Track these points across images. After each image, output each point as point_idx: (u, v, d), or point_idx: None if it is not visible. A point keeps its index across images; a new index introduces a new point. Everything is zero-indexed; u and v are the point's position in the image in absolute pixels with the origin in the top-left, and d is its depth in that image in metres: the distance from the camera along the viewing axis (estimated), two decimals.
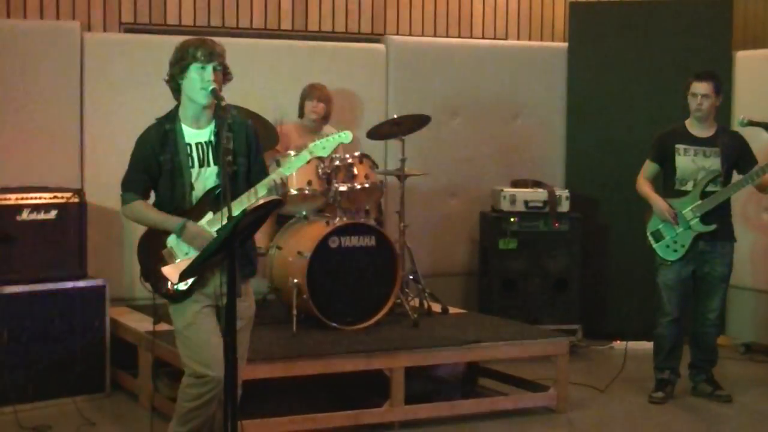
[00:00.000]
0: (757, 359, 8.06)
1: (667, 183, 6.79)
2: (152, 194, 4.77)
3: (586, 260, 8.27)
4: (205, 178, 4.67)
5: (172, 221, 4.62)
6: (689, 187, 6.67)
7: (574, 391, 6.73)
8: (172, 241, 4.66)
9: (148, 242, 4.73)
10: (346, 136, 4.98)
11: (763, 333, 8.21)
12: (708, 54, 8.34)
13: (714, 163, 6.65)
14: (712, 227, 6.61)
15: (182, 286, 4.59)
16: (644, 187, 6.81)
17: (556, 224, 8.11)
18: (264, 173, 4.82)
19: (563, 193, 8.21)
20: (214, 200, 4.62)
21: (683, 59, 8.25)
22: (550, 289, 8.13)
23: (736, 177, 6.75)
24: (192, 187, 4.66)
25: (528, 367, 6.93)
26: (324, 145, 4.91)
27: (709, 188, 6.64)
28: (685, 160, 6.68)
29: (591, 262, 8.36)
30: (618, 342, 7.98)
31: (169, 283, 4.62)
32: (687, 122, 6.78)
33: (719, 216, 6.65)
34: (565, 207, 8.17)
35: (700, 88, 6.64)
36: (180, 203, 4.65)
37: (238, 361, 4.48)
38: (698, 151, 6.68)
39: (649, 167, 6.85)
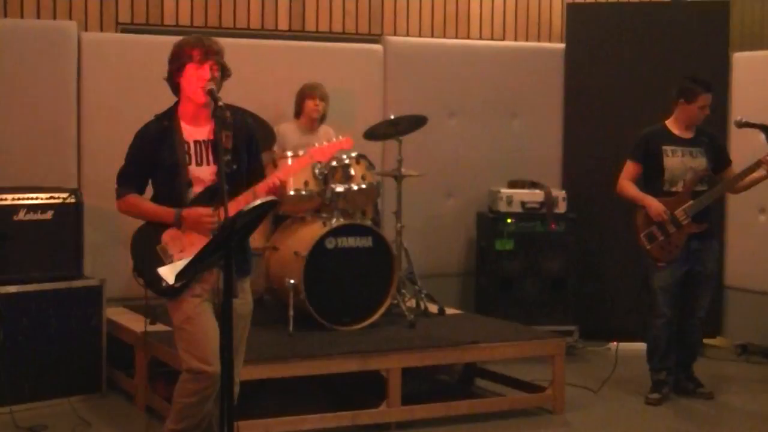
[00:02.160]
0: (753, 360, 8.07)
1: (653, 184, 6.76)
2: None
3: (583, 261, 8.28)
4: (203, 176, 4.67)
5: (167, 213, 4.63)
6: (679, 187, 6.68)
7: (571, 391, 6.73)
8: (166, 237, 4.66)
9: (143, 238, 4.72)
10: (347, 143, 5.00)
11: (760, 334, 8.22)
12: (705, 55, 8.35)
13: (701, 163, 6.69)
14: (704, 226, 6.64)
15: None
16: (630, 188, 6.80)
17: (553, 225, 8.12)
18: (262, 173, 4.83)
19: (560, 193, 8.22)
20: (212, 198, 4.62)
21: (680, 60, 8.25)
22: (547, 290, 8.14)
23: None
24: (190, 185, 4.66)
25: (524, 367, 6.93)
26: (324, 150, 4.93)
27: (698, 188, 6.66)
28: (674, 161, 6.70)
29: (588, 263, 8.36)
30: (615, 343, 7.98)
31: (164, 281, 4.61)
32: (669, 123, 6.80)
33: (706, 214, 6.70)
34: (562, 208, 8.18)
35: (709, 99, 6.69)
36: (177, 201, 4.65)
37: (236, 359, 4.50)
38: (686, 151, 6.71)
39: (632, 168, 6.83)
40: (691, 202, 6.63)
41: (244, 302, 4.74)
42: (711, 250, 6.78)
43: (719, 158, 6.81)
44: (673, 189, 6.70)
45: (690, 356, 6.94)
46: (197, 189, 4.67)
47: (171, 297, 4.65)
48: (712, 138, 6.83)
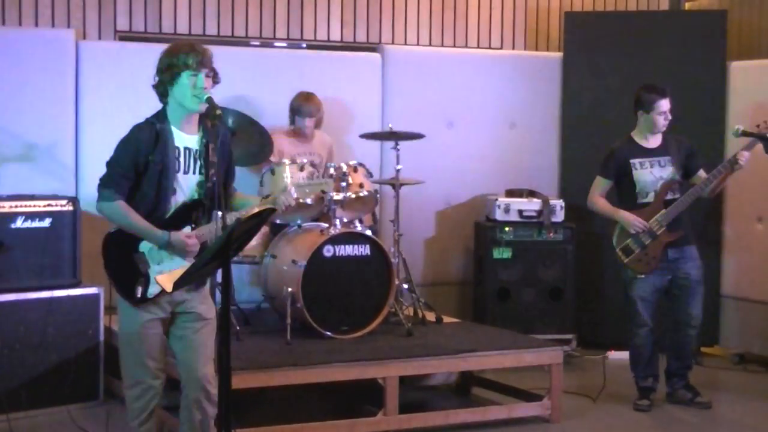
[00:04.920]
0: (751, 369, 8.07)
1: (625, 198, 6.79)
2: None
3: (581, 270, 8.28)
4: (186, 185, 4.68)
5: (156, 234, 4.62)
6: (650, 198, 6.70)
7: (568, 400, 6.73)
8: (145, 246, 4.66)
9: (118, 242, 4.72)
10: (327, 186, 5.22)
11: (757, 343, 8.22)
12: (702, 64, 8.37)
13: (670, 171, 6.71)
14: (679, 233, 6.65)
15: (153, 292, 4.64)
16: (601, 203, 6.85)
17: (551, 234, 8.12)
18: (233, 176, 4.96)
19: (558, 202, 8.22)
20: (192, 214, 4.64)
21: (678, 69, 8.27)
22: (545, 299, 8.13)
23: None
24: (174, 192, 4.66)
25: (522, 376, 6.92)
26: (305, 189, 5.03)
27: (670, 197, 6.68)
28: (644, 174, 6.71)
29: (585, 271, 8.36)
30: (612, 352, 7.99)
31: (140, 289, 4.62)
32: (634, 134, 6.83)
33: (683, 221, 6.71)
34: (559, 216, 8.18)
35: (667, 104, 6.69)
36: (159, 205, 4.63)
37: (205, 362, 4.63)
38: (653, 162, 6.73)
39: (601, 183, 6.87)
40: (663, 211, 6.65)
41: (207, 307, 4.80)
42: (690, 257, 6.75)
43: (688, 163, 6.80)
44: (645, 200, 6.72)
45: (684, 367, 6.92)
46: (180, 197, 4.67)
47: (134, 304, 4.66)
48: (679, 143, 6.82)
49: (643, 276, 6.69)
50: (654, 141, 6.79)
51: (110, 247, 4.75)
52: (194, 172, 4.69)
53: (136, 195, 4.66)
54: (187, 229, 4.65)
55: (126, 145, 4.67)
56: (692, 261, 6.77)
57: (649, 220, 6.65)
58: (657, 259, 6.67)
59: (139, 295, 4.63)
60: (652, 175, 6.71)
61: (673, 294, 6.79)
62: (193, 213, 4.67)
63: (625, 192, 6.80)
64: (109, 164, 4.69)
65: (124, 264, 4.68)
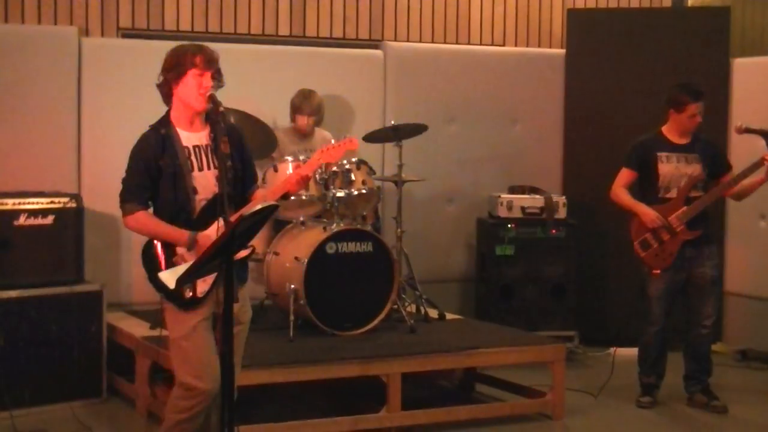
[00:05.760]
0: (753, 366, 8.06)
1: (648, 191, 6.76)
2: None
3: (584, 267, 8.28)
4: (205, 181, 4.66)
5: (181, 235, 4.59)
6: (673, 194, 6.68)
7: (571, 397, 6.73)
8: (180, 250, 4.64)
9: (161, 248, 4.68)
10: (353, 144, 5.10)
11: (759, 340, 8.22)
12: (705, 61, 8.36)
13: (695, 169, 6.67)
14: (698, 232, 6.62)
15: (189, 293, 4.58)
16: (623, 195, 6.79)
17: (554, 231, 8.12)
18: (255, 178, 4.89)
19: (560, 199, 8.22)
20: (217, 208, 4.59)
21: (681, 66, 8.26)
22: (547, 296, 8.13)
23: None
24: (195, 191, 4.64)
25: (525, 373, 6.92)
26: (332, 151, 4.97)
27: (693, 194, 6.66)
28: (669, 168, 6.68)
29: (588, 268, 8.36)
30: (615, 349, 7.98)
31: (188, 290, 4.58)
32: (664, 129, 6.77)
33: (703, 220, 6.68)
34: (562, 213, 8.18)
35: (698, 107, 6.63)
36: (184, 207, 4.63)
37: (234, 367, 4.51)
38: (680, 157, 6.69)
39: (626, 175, 6.81)
40: (684, 208, 6.63)
41: (244, 309, 4.75)
42: (708, 257, 6.72)
43: (717, 164, 6.78)
44: (668, 195, 6.69)
45: (701, 371, 6.85)
46: (203, 195, 4.66)
47: (182, 308, 4.62)
48: (708, 144, 6.79)
49: (657, 272, 6.68)
50: (683, 138, 6.73)
51: (150, 259, 4.68)
52: (209, 168, 4.68)
53: (158, 202, 4.66)
54: (214, 226, 4.61)
55: (135, 156, 4.66)
56: (710, 261, 6.72)
57: (669, 216, 6.63)
58: (673, 255, 6.64)
59: (187, 298, 4.59)
60: (677, 170, 6.66)
61: (687, 292, 6.76)
62: (217, 207, 4.63)
63: (647, 185, 6.75)
64: (124, 179, 4.68)
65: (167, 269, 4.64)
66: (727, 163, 6.86)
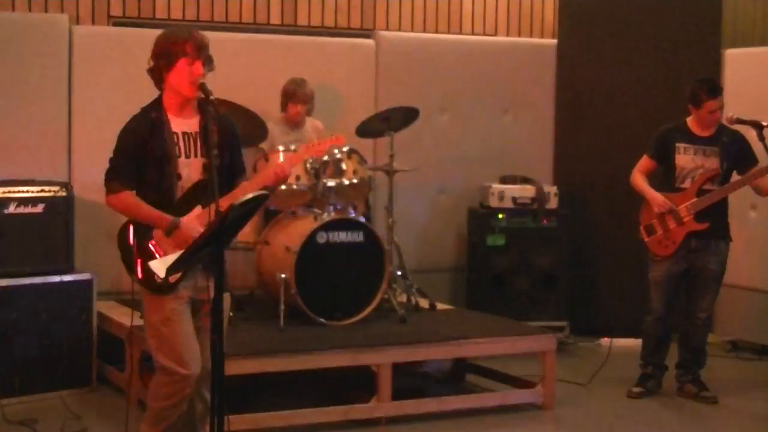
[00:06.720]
0: (744, 357, 8.09)
1: (665, 180, 6.77)
2: None
3: (574, 257, 8.28)
4: (191, 169, 4.65)
5: (163, 219, 4.59)
6: (687, 184, 6.67)
7: (561, 387, 6.74)
8: (157, 235, 4.63)
9: (133, 233, 4.68)
10: (339, 141, 5.12)
11: (750, 330, 8.23)
12: (697, 51, 8.36)
13: (713, 162, 6.65)
14: (705, 225, 6.62)
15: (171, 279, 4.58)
16: (639, 180, 6.81)
17: (545, 221, 8.12)
18: (243, 169, 4.86)
19: (552, 189, 8.22)
20: (202, 194, 4.60)
21: (673, 57, 8.26)
22: (538, 286, 8.14)
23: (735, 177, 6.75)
24: (179, 177, 4.63)
25: (515, 363, 6.92)
26: (317, 147, 4.99)
27: (707, 187, 6.64)
28: (685, 159, 6.68)
29: (579, 258, 8.36)
30: (606, 339, 7.99)
31: (156, 276, 4.59)
32: (689, 120, 6.75)
33: (715, 215, 6.66)
34: (553, 203, 8.18)
35: (716, 104, 6.60)
36: (167, 192, 4.62)
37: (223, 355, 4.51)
38: (698, 149, 6.67)
39: (645, 162, 6.84)
40: (695, 199, 6.62)
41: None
42: (713, 251, 6.69)
43: (742, 158, 6.70)
44: (683, 186, 6.69)
45: (692, 361, 6.86)
46: (186, 182, 4.65)
47: (157, 293, 4.62)
48: (733, 138, 6.71)
49: (659, 257, 6.68)
50: (706, 130, 6.69)
51: (125, 242, 4.70)
52: (197, 156, 4.67)
53: (142, 185, 4.65)
54: (197, 210, 4.62)
55: (124, 137, 4.65)
56: (714, 256, 6.70)
57: (679, 205, 6.63)
58: (677, 244, 6.64)
59: (158, 281, 4.58)
60: (693, 162, 6.66)
61: (687, 283, 6.77)
62: (199, 193, 4.63)
63: (665, 174, 6.78)
64: (111, 158, 4.68)
65: (142, 255, 4.63)
66: (753, 157, 6.72)
